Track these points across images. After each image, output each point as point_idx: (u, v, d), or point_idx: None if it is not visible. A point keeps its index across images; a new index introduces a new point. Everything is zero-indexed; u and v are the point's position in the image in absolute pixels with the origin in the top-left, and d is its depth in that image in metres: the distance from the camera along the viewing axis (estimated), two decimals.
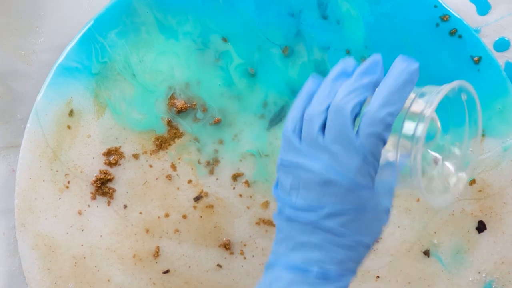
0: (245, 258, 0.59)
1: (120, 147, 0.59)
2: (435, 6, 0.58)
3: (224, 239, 0.59)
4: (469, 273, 0.59)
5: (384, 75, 0.44)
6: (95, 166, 0.59)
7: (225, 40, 0.58)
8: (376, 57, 0.45)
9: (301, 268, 0.43)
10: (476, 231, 0.59)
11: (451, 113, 0.59)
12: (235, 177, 0.59)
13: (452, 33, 0.58)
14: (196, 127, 0.59)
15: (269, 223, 0.59)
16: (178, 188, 0.59)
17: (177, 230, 0.59)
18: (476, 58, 0.58)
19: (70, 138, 0.58)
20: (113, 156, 0.59)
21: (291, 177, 0.44)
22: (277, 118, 0.59)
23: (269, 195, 0.59)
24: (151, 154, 0.59)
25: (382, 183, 0.45)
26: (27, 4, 0.61)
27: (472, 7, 0.61)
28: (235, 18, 0.58)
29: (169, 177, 0.59)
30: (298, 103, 0.46)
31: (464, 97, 0.48)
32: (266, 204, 0.59)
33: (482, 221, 0.59)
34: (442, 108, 0.59)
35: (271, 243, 0.59)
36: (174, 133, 0.59)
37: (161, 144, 0.59)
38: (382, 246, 0.59)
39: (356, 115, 0.43)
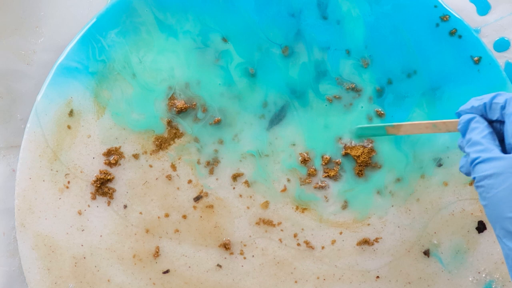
0: (245, 258, 0.59)
1: (120, 147, 0.59)
2: (435, 6, 0.58)
3: (224, 239, 0.59)
4: (469, 273, 0.59)
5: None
6: (95, 166, 0.59)
7: (225, 40, 0.58)
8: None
9: None
10: (476, 231, 0.59)
11: None
12: (235, 177, 0.59)
13: (452, 33, 0.58)
14: (196, 127, 0.59)
15: (269, 223, 0.59)
16: (178, 188, 0.59)
17: (177, 230, 0.59)
18: (476, 58, 0.58)
19: (70, 138, 0.58)
20: (113, 156, 0.59)
21: None
22: (277, 118, 0.59)
23: (268, 195, 0.59)
24: (151, 154, 0.59)
25: None
26: (27, 4, 0.61)
27: (472, 7, 0.61)
28: (235, 17, 0.58)
29: (169, 177, 0.59)
30: None
31: None
32: (266, 204, 0.59)
33: (482, 221, 0.59)
34: None
35: (271, 243, 0.59)
36: (174, 133, 0.59)
37: (161, 144, 0.59)
38: (382, 246, 0.59)
39: None
